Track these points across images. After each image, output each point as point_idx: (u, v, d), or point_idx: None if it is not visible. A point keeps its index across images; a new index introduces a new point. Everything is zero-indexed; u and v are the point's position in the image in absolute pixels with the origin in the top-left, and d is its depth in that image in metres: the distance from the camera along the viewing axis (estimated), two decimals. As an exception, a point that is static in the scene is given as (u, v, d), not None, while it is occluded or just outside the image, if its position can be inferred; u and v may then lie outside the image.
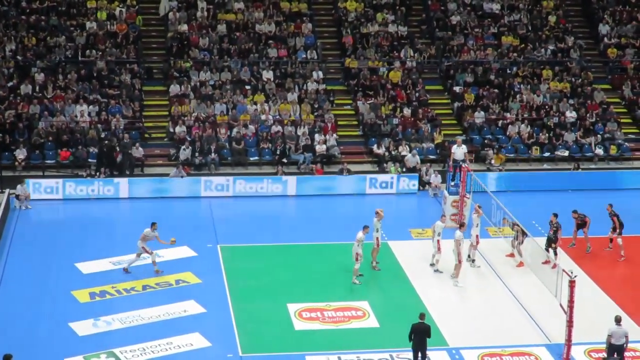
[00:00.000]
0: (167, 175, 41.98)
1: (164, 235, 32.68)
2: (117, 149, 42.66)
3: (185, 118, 45.12)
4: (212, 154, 43.53)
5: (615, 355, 26.07)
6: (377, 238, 32.50)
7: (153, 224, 32.49)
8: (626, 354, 26.66)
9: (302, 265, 33.30)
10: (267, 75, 48.17)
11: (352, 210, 40.50)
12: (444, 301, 31.05)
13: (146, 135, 44.88)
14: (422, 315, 26.08)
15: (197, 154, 43.49)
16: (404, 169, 43.77)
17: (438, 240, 33.08)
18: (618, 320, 26.23)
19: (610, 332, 26.08)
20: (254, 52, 49.29)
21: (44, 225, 38.25)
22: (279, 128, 45.34)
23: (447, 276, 32.82)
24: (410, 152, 44.26)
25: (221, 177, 41.96)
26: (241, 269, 33.11)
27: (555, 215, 34.02)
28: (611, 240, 35.44)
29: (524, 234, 33.55)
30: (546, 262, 32.09)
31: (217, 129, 44.82)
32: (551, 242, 33.86)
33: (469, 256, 33.55)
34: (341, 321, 29.17)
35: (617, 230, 34.82)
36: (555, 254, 33.36)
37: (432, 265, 33.48)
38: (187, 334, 28.05)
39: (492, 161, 44.42)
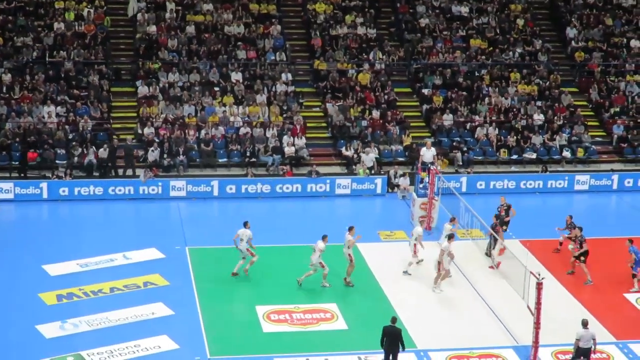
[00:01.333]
0: (136, 177, 41.73)
1: (132, 238, 32.50)
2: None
3: (154, 119, 44.88)
4: (181, 156, 43.34)
5: (582, 358, 26.20)
6: (350, 254, 32.10)
7: (246, 223, 32.44)
8: (593, 356, 26.80)
9: (271, 267, 33.19)
10: (236, 76, 48.06)
11: (322, 212, 40.59)
12: (413, 303, 31.09)
13: (114, 137, 44.58)
14: (393, 319, 26.07)
15: (165, 156, 43.29)
16: (373, 171, 43.78)
17: (415, 245, 33.22)
18: (585, 324, 26.37)
19: (578, 336, 26.20)
20: (222, 53, 49.13)
21: (11, 226, 37.98)
22: (248, 130, 45.21)
23: (415, 278, 32.90)
24: (367, 154, 44.16)
25: (190, 178, 41.99)
26: (210, 271, 32.99)
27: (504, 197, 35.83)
28: (561, 243, 35.86)
29: (495, 239, 33.86)
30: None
31: (186, 131, 44.63)
32: (502, 223, 35.04)
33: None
34: (310, 323, 29.16)
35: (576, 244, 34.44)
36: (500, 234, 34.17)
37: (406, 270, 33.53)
38: (155, 336, 27.92)
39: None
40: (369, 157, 43.81)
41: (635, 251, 32.64)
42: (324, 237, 31.66)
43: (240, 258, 32.32)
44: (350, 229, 32.14)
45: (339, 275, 32.28)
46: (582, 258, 33.47)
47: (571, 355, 26.57)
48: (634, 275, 32.66)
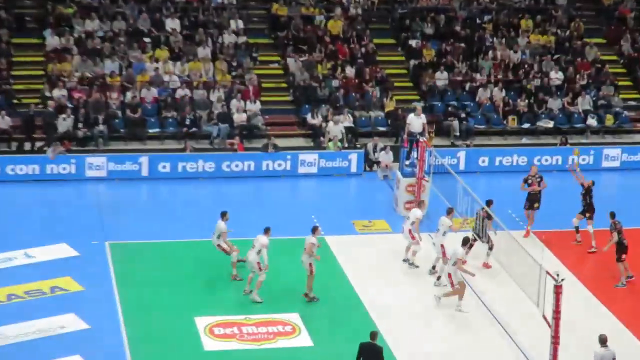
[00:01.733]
0: (42, 152, 41.49)
1: (36, 231, 32.06)
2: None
3: (66, 79, 44.68)
4: (100, 125, 43.21)
5: None
6: (311, 264, 31.34)
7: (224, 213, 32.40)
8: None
9: (215, 268, 32.96)
10: (172, 24, 48.15)
11: (281, 197, 40.67)
12: (396, 313, 30.89)
13: (15, 101, 44.27)
14: (373, 335, 25.75)
15: (80, 125, 43.09)
16: (346, 144, 43.81)
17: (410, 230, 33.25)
18: (604, 341, 26.12)
19: (596, 356, 25.99)
20: (155, -6, 49.24)
21: None
22: (187, 92, 45.22)
23: (400, 281, 32.85)
24: (337, 122, 44.14)
25: (112, 154, 41.84)
26: (136, 273, 32.81)
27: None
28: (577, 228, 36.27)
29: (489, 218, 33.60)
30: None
31: (107, 93, 44.49)
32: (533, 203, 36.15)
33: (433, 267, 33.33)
34: (264, 339, 28.91)
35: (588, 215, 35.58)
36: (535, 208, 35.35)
37: (406, 260, 33.69)
38: (66, 357, 27.52)
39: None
40: (337, 127, 43.77)
41: None
42: (266, 230, 31.42)
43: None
44: (314, 230, 31.64)
45: (295, 283, 31.96)
46: (618, 255, 33.43)
47: None
48: None
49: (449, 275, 30.87)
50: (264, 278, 31.10)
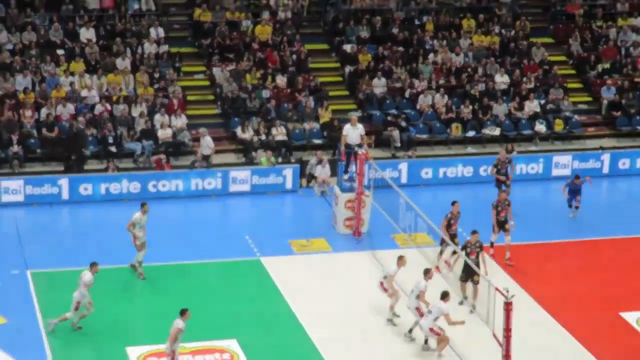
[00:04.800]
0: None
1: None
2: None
3: (-26, 97, 44.61)
4: (15, 146, 43.19)
5: None
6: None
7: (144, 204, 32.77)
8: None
9: (146, 294, 33.48)
10: (87, 34, 48.16)
11: (211, 217, 41.04)
12: (340, 339, 31.40)
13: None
14: None
15: (-7, 146, 43.17)
16: (280, 159, 44.38)
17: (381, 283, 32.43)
18: None
19: None
20: (67, 2, 49.14)
21: None
22: (107, 107, 45.27)
23: (343, 306, 33.32)
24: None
25: (30, 176, 41.86)
26: (61, 302, 32.43)
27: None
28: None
29: (444, 243, 34.53)
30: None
31: (21, 111, 44.42)
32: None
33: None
34: None
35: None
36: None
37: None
38: (-12, 397, 28.04)
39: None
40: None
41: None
42: (92, 265, 31.50)
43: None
44: (183, 312, 28.94)
45: (232, 307, 32.41)
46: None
47: None
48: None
49: (431, 329, 29.86)
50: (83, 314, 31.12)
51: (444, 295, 29.82)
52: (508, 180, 40.12)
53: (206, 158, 43.47)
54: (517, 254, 36.43)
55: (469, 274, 32.77)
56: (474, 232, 33.01)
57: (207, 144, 43.56)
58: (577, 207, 39.97)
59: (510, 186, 39.81)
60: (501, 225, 36.21)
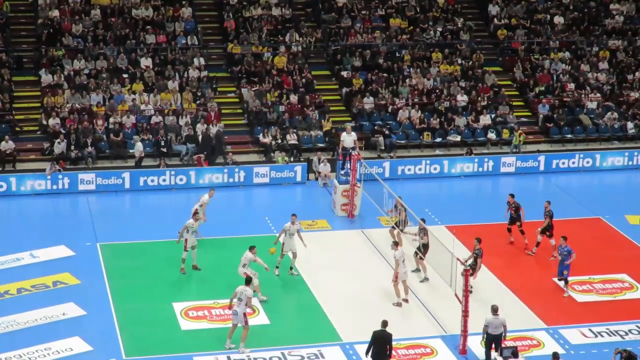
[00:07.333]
0: (42, 170, 41.10)
1: (39, 235, 31.94)
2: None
3: (59, 109, 44.39)
4: (89, 147, 42.99)
5: (493, 345, 26.66)
6: (246, 273, 30.02)
7: (252, 247, 30.82)
8: (522, 342, 27.50)
9: (188, 262, 32.93)
10: (146, 62, 47.81)
11: (238, 203, 40.74)
12: (337, 296, 31.27)
13: (17, 129, 44.05)
14: (384, 323, 25.76)
15: (72, 148, 42.87)
16: (292, 158, 43.95)
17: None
18: (495, 310, 26.72)
19: (486, 323, 26.67)
20: (130, 38, 48.81)
21: None
22: (160, 118, 45.01)
23: (339, 270, 33.16)
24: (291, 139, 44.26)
25: (100, 171, 41.65)
26: (123, 268, 32.87)
27: (512, 195, 35.55)
28: (510, 229, 36.11)
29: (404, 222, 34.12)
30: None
31: (94, 121, 44.26)
32: (515, 221, 35.36)
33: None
34: (230, 319, 28.74)
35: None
36: (522, 232, 35.26)
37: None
38: (67, 338, 27.75)
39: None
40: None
41: (569, 251, 31.73)
42: (251, 248, 30.63)
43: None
44: (250, 247, 30.65)
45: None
46: (519, 223, 34.97)
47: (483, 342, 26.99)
48: (562, 279, 32.06)
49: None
50: (257, 282, 30.32)
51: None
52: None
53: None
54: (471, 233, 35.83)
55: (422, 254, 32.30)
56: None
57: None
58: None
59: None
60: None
